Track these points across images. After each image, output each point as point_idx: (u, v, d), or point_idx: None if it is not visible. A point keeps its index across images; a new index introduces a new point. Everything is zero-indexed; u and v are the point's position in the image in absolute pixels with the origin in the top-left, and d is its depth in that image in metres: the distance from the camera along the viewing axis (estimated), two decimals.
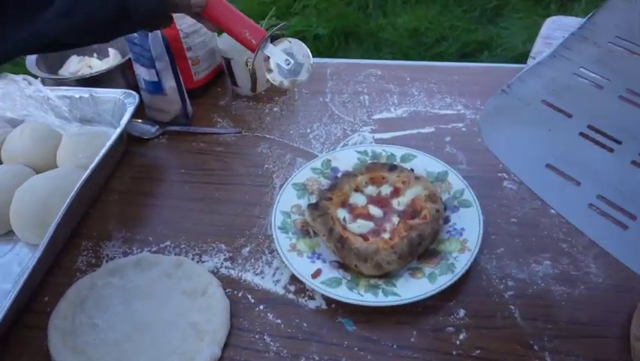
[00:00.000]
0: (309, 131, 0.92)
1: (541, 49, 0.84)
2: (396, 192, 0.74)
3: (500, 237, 0.71)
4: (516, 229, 0.72)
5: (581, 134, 0.43)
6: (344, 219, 0.71)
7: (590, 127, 0.43)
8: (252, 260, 0.71)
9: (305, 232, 0.72)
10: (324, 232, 0.68)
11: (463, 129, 0.90)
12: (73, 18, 0.59)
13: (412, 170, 0.77)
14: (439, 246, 0.68)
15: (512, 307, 0.63)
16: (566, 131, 0.43)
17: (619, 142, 0.42)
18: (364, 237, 0.68)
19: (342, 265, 0.67)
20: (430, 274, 0.64)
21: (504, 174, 0.81)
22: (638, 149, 0.42)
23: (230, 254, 0.72)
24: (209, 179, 0.84)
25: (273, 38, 0.70)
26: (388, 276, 0.65)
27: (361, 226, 0.70)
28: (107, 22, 0.61)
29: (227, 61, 0.97)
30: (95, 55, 1.07)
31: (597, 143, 0.42)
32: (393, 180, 0.75)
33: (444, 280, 0.63)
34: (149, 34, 0.83)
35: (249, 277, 0.69)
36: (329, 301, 0.65)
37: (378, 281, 0.64)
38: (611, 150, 0.41)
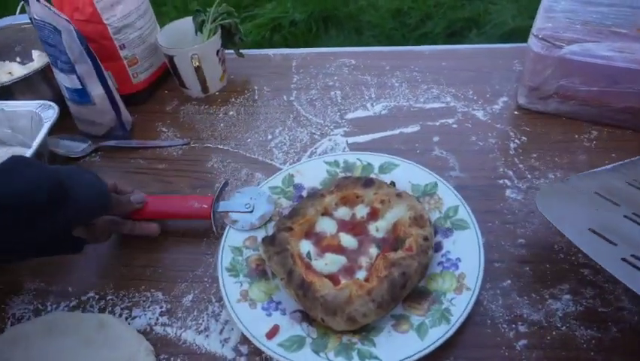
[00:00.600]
0: (270, 138, 0.77)
1: (543, 24, 0.69)
2: (373, 215, 0.59)
3: (506, 265, 0.57)
4: (525, 253, 0.58)
5: (625, 216, 0.50)
6: (308, 255, 0.56)
7: (634, 214, 0.50)
8: (195, 312, 0.56)
9: (261, 272, 0.57)
10: (282, 275, 0.54)
11: (454, 126, 0.75)
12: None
13: (393, 184, 0.63)
14: (429, 283, 0.54)
15: None
16: (612, 213, 0.50)
17: None
18: (334, 278, 0.54)
19: (307, 317, 0.52)
20: (420, 326, 0.50)
21: (505, 181, 0.66)
22: None
23: (168, 306, 0.57)
24: None
25: (220, 194, 0.65)
26: (366, 329, 0.51)
27: (330, 262, 0.55)
28: (42, 199, 0.47)
29: (170, 58, 0.81)
30: (17, 59, 0.91)
31: (638, 223, 0.49)
32: (370, 198, 0.60)
33: (437, 334, 0.48)
34: (62, 31, 0.68)
35: (190, 336, 0.54)
36: None
37: (352, 338, 0.50)
38: None
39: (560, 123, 0.73)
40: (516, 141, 0.71)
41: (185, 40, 0.84)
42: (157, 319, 0.56)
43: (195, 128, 0.80)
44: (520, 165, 0.68)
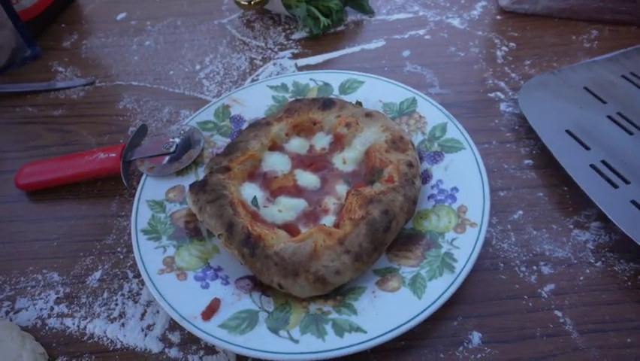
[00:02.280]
0: (198, 68, 0.60)
1: None
2: (338, 143, 0.45)
3: (513, 192, 0.44)
4: (535, 176, 0.45)
5: (608, 116, 0.47)
6: (254, 201, 0.41)
7: (618, 113, 0.47)
8: (105, 295, 0.41)
9: (192, 231, 0.42)
10: (219, 230, 0.39)
11: (427, 37, 0.61)
12: None
13: (360, 103, 0.48)
14: (419, 224, 0.40)
15: (558, 314, 0.36)
16: (595, 112, 0.47)
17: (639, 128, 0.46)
18: (291, 229, 0.39)
19: (259, 284, 0.38)
20: (414, 280, 0.36)
21: (497, 93, 0.53)
22: None
23: (67, 289, 0.41)
24: None
25: (136, 140, 0.49)
26: (341, 292, 0.37)
27: (285, 208, 0.41)
28: None
29: None
30: None
31: (620, 125, 0.46)
32: (332, 123, 0.46)
33: (440, 288, 0.35)
34: None
35: (99, 327, 0.39)
36: (241, 356, 0.36)
37: (323, 306, 0.36)
38: (630, 133, 0.45)
39: (553, 25, 0.60)
40: (503, 48, 0.58)
41: None
42: (51, 309, 0.40)
43: (101, 64, 0.63)
44: (513, 75, 0.55)
